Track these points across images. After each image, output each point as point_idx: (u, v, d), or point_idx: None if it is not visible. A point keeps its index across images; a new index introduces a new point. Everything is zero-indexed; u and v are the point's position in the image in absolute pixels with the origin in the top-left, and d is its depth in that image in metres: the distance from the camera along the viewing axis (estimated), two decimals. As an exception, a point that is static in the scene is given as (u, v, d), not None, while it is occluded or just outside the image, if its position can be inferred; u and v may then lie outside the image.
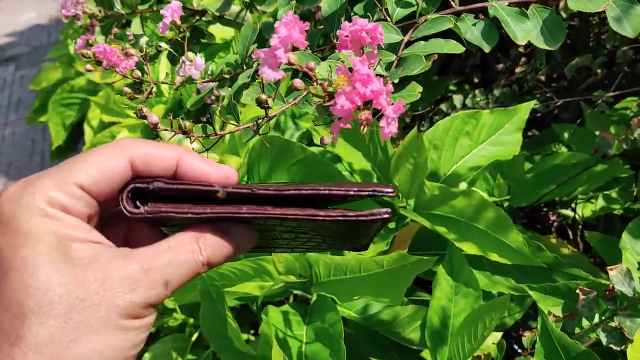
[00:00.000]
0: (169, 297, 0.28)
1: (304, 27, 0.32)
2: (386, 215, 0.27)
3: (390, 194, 0.28)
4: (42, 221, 0.26)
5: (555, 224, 1.13)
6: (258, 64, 0.47)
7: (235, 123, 0.39)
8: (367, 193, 0.28)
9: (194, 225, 0.29)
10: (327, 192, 0.27)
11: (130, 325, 0.27)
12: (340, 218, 0.27)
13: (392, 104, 0.30)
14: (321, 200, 0.29)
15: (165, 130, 0.37)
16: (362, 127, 0.30)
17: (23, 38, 3.95)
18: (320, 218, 0.27)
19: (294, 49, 0.33)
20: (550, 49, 0.40)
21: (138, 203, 0.28)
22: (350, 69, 0.31)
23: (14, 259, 0.26)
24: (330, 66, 0.33)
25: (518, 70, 1.09)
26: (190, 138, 0.37)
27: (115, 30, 0.72)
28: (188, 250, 0.28)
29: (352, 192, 0.28)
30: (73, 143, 1.95)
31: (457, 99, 1.04)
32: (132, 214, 0.28)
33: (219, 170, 0.29)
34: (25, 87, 3.30)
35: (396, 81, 0.38)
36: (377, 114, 0.31)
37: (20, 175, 2.65)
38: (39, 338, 0.25)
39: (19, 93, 3.32)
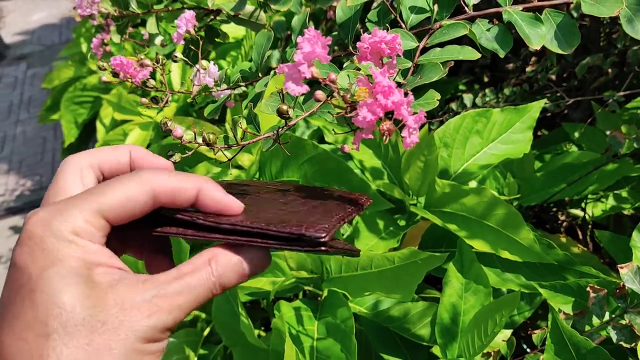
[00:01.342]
0: (183, 319, 0.30)
1: (327, 42, 0.33)
2: (323, 247, 0.29)
3: (320, 239, 0.28)
4: (68, 246, 0.28)
5: (564, 223, 1.12)
6: (275, 71, 0.48)
7: (256, 132, 0.40)
8: (290, 235, 0.29)
9: (209, 247, 0.31)
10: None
11: (148, 349, 0.28)
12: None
13: (413, 113, 0.31)
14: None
15: (190, 142, 0.38)
16: (384, 138, 0.31)
17: (34, 37, 3.98)
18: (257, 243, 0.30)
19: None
20: (564, 53, 0.40)
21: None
22: (371, 80, 0.31)
23: (39, 280, 0.27)
24: (349, 76, 0.34)
25: (528, 69, 1.09)
26: (214, 150, 0.38)
27: (130, 29, 0.73)
28: (202, 274, 0.29)
29: (272, 232, 0.29)
30: (85, 141, 1.97)
31: (467, 98, 1.04)
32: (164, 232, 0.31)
33: (234, 202, 0.32)
34: (37, 86, 3.34)
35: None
36: (399, 124, 0.32)
37: (32, 173, 2.67)
38: (62, 358, 0.26)
39: (30, 91, 3.35)
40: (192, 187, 0.31)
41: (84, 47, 1.82)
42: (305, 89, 0.33)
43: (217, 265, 0.30)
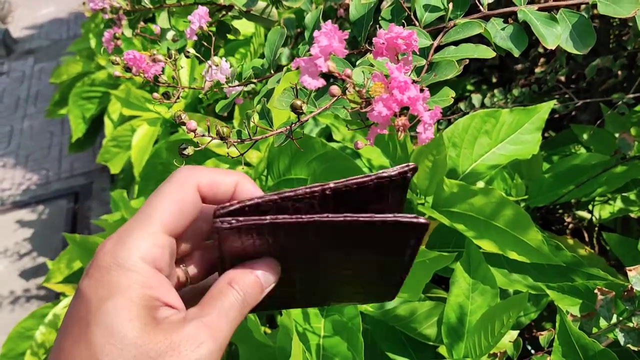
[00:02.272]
0: (227, 345, 0.30)
1: (343, 36, 0.33)
2: (423, 221, 0.28)
3: (413, 168, 0.29)
4: (130, 277, 0.28)
5: (570, 225, 1.12)
6: (288, 67, 0.48)
7: (268, 128, 0.40)
8: (399, 171, 0.29)
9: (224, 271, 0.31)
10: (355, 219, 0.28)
11: None
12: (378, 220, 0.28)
13: (429, 109, 0.31)
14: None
15: (203, 136, 0.38)
16: (399, 134, 0.31)
17: (42, 32, 4.00)
18: (363, 220, 0.28)
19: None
20: (579, 53, 0.40)
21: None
22: (386, 76, 0.31)
23: (97, 312, 0.27)
24: (363, 72, 0.34)
25: (537, 70, 1.09)
26: (227, 143, 0.38)
27: (141, 24, 0.73)
28: (230, 297, 0.30)
29: (387, 175, 0.29)
30: (92, 136, 1.98)
31: (476, 98, 1.04)
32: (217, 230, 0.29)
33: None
34: (44, 80, 3.35)
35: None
36: (414, 120, 0.32)
37: (39, 167, 2.68)
38: None
39: (37, 86, 3.36)
40: (231, 180, 0.31)
41: (92, 43, 1.82)
42: (321, 82, 0.33)
43: (241, 285, 0.30)
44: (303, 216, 0.28)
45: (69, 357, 0.27)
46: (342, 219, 0.28)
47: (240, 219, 0.29)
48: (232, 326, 0.30)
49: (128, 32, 0.69)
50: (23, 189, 2.58)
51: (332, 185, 0.29)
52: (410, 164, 0.29)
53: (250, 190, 0.32)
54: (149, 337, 0.27)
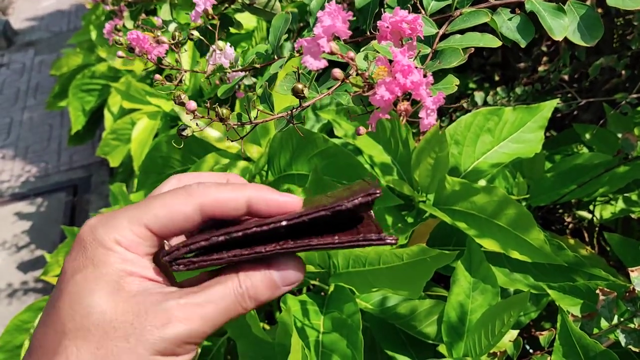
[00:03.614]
0: (208, 334, 0.28)
1: (347, 16, 0.33)
2: (393, 242, 0.28)
3: (379, 195, 0.28)
4: (106, 253, 0.28)
5: (570, 225, 1.12)
6: (292, 55, 0.47)
7: (269, 112, 0.39)
8: (359, 202, 0.28)
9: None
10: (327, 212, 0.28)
11: None
12: (364, 243, 0.28)
13: (432, 95, 0.30)
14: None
15: (202, 117, 0.37)
16: (401, 118, 0.30)
17: (43, 23, 3.98)
18: (354, 243, 0.28)
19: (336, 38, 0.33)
20: (587, 45, 0.39)
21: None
22: (390, 60, 0.31)
23: (68, 282, 0.28)
24: (367, 56, 0.33)
25: (540, 69, 1.08)
26: (226, 125, 0.37)
27: (142, 16, 0.73)
28: (227, 286, 0.29)
29: (344, 207, 0.28)
30: (92, 129, 1.97)
31: (479, 96, 1.03)
32: (174, 270, 0.29)
33: (293, 198, 0.30)
34: (44, 73, 3.34)
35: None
36: (416, 106, 0.31)
37: (38, 159, 2.68)
38: (71, 359, 0.26)
39: (37, 78, 3.35)
40: (241, 196, 0.30)
41: (93, 35, 1.81)
42: (323, 63, 0.32)
43: (244, 277, 0.29)
44: (262, 248, 0.28)
45: (45, 321, 0.28)
46: (302, 248, 0.28)
47: (195, 260, 0.28)
48: (220, 317, 0.28)
49: (129, 24, 0.69)
50: (22, 181, 2.58)
51: (284, 223, 0.28)
52: (373, 191, 0.28)
53: (269, 200, 0.30)
54: (116, 306, 0.27)
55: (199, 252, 0.29)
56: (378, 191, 0.28)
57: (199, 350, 0.79)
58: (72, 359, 0.26)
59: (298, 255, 0.30)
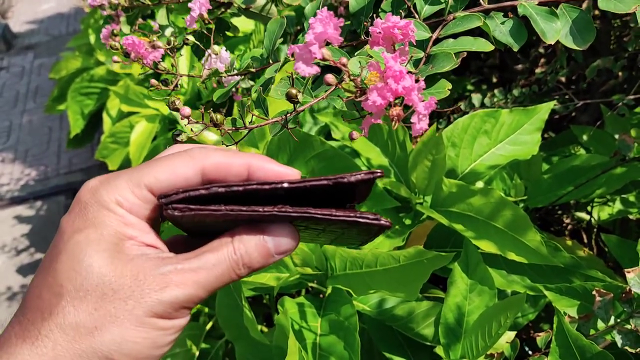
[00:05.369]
0: (203, 299, 0.29)
1: (339, 23, 0.33)
2: (387, 224, 0.28)
3: (380, 175, 0.28)
4: (106, 214, 0.28)
5: (569, 227, 1.12)
6: (286, 59, 0.47)
7: (264, 117, 0.39)
8: (361, 177, 0.28)
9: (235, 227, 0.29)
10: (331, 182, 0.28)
11: (156, 325, 0.27)
12: (361, 220, 0.28)
13: (423, 100, 0.31)
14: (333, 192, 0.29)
15: (197, 122, 0.37)
16: (393, 123, 0.30)
17: (42, 27, 3.99)
18: (351, 219, 0.28)
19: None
20: (579, 48, 0.40)
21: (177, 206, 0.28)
22: (382, 66, 0.31)
23: (67, 242, 0.28)
24: (360, 62, 0.34)
25: (538, 70, 1.09)
26: (220, 130, 0.37)
27: (139, 21, 0.73)
28: (222, 252, 0.29)
29: (346, 180, 0.28)
30: (91, 132, 1.97)
31: (476, 98, 1.04)
32: (168, 216, 0.28)
33: (292, 170, 0.30)
34: (44, 76, 3.34)
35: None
36: (408, 111, 0.31)
37: (37, 162, 2.68)
38: (68, 319, 0.26)
39: (37, 81, 3.35)
40: (242, 162, 0.30)
41: (92, 39, 1.82)
42: (315, 69, 0.33)
43: (239, 244, 0.29)
44: (260, 208, 0.28)
45: (40, 282, 0.28)
46: (299, 214, 0.28)
47: (192, 207, 0.28)
48: (214, 282, 0.28)
49: (126, 29, 0.69)
50: (21, 185, 2.58)
51: (285, 185, 0.28)
52: (375, 171, 0.28)
53: (267, 168, 0.30)
54: (115, 269, 0.27)
55: (197, 200, 0.28)
56: (379, 171, 0.28)
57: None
58: (70, 319, 0.26)
59: (293, 224, 0.30)
